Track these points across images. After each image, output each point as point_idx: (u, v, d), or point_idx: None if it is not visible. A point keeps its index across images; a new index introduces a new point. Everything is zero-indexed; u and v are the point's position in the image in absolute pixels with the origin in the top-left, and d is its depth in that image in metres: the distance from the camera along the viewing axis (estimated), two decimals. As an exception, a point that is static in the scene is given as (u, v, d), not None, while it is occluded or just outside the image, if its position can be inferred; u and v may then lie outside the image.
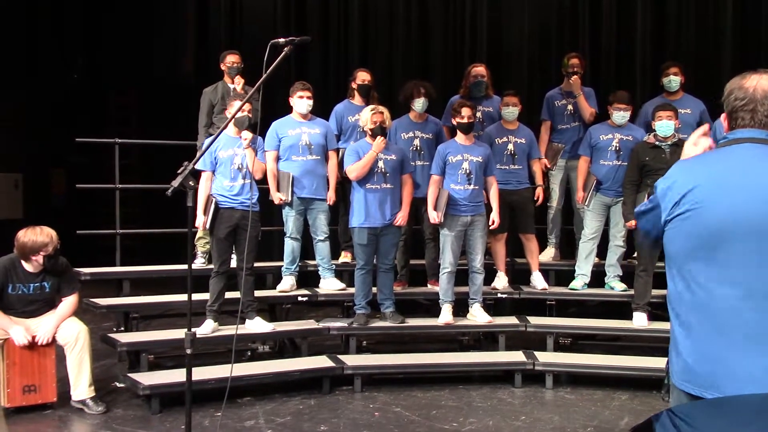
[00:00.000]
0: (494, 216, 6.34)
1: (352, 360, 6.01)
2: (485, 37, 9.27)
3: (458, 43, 9.37)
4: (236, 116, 5.40)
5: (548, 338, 6.40)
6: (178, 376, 5.29)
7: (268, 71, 3.61)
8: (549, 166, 7.11)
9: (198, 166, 5.25)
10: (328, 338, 6.53)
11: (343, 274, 6.93)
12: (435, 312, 6.49)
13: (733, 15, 8.35)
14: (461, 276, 6.43)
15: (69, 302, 5.33)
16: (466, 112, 6.23)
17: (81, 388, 5.18)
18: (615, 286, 6.69)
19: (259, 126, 5.08)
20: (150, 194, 9.97)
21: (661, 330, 6.13)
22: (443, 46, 9.39)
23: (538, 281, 6.85)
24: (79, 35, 11.53)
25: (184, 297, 5.82)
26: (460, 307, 6.49)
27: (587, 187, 6.70)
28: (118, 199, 7.07)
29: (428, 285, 6.89)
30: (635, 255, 6.54)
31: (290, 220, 6.50)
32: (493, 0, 9.25)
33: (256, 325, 6.03)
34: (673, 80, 6.88)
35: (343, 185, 6.74)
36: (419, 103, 6.67)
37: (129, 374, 5.50)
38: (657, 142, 6.17)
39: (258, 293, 6.30)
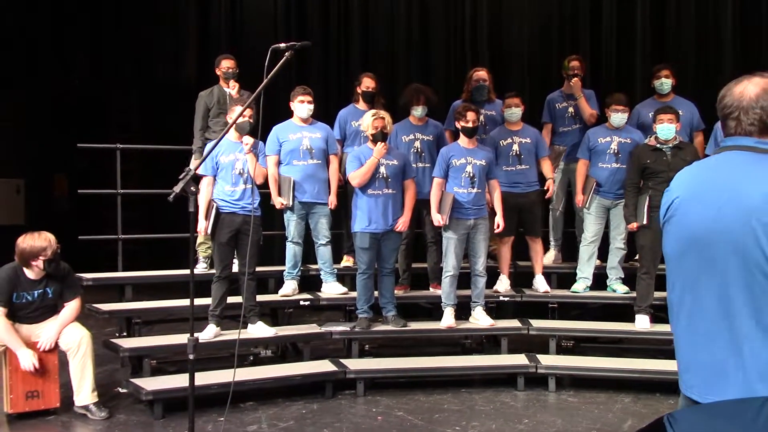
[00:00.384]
0: (498, 219, 6.34)
1: (354, 364, 6.00)
2: (486, 40, 9.28)
3: (459, 47, 9.39)
4: (237, 121, 5.40)
5: (551, 341, 6.40)
6: (180, 381, 5.30)
7: (269, 76, 3.62)
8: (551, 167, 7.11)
9: (199, 171, 5.27)
10: (330, 342, 6.52)
11: (345, 278, 6.94)
12: (437, 315, 6.49)
13: (732, 17, 8.35)
14: (463, 279, 6.43)
15: (71, 307, 5.33)
16: (471, 116, 6.23)
17: (84, 394, 5.18)
18: (617, 288, 6.69)
19: (260, 131, 5.09)
20: (152, 199, 9.98)
21: (663, 332, 6.13)
22: (444, 50, 9.41)
23: (540, 284, 6.85)
24: (81, 40, 11.54)
25: (186, 302, 5.87)
26: (463, 310, 6.48)
27: (586, 189, 6.71)
28: (120, 204, 7.08)
29: (430, 288, 6.89)
30: (637, 257, 6.54)
31: (292, 224, 6.50)
32: (493, 3, 9.27)
33: (259, 329, 6.03)
34: (665, 83, 6.89)
35: (345, 189, 6.74)
36: (418, 111, 6.69)
37: (132, 379, 5.50)
38: (658, 145, 6.17)
39: (260, 298, 6.30)
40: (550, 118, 7.34)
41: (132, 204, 9.66)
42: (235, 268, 6.12)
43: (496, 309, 6.78)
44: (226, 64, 6.96)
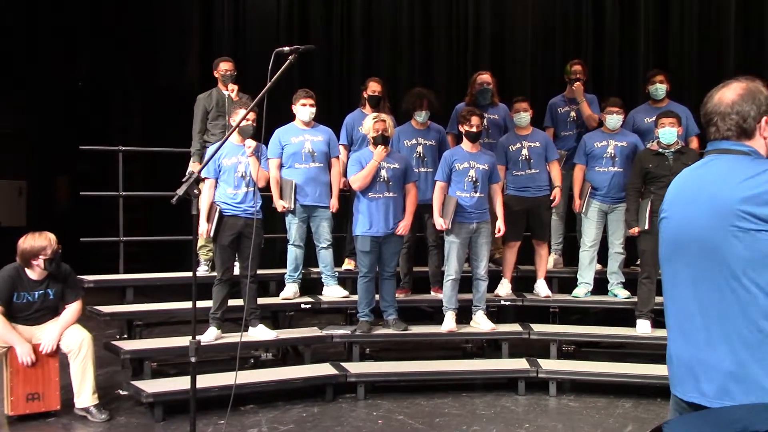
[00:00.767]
0: (500, 224, 6.34)
1: (355, 367, 6.00)
2: (488, 44, 9.30)
3: (461, 51, 9.40)
4: (241, 125, 5.41)
5: (552, 346, 6.39)
6: (181, 383, 5.30)
7: (272, 79, 3.62)
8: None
9: (201, 174, 5.27)
10: (331, 346, 6.52)
11: (346, 281, 6.94)
12: (438, 319, 6.49)
13: (735, 22, 8.36)
14: (464, 283, 6.43)
15: (72, 309, 5.33)
16: (475, 120, 6.23)
17: (84, 396, 5.18)
18: (618, 293, 6.69)
19: (263, 134, 5.10)
20: (153, 201, 10.00)
21: (664, 337, 6.05)
22: (447, 54, 9.42)
23: (541, 289, 6.85)
24: (84, 43, 11.56)
25: (187, 304, 5.87)
26: (464, 314, 6.48)
27: (582, 194, 6.72)
28: (122, 207, 7.09)
29: (431, 292, 6.89)
30: (638, 262, 6.54)
31: (293, 227, 6.51)
32: (496, 7, 9.29)
33: (259, 332, 6.03)
34: (660, 88, 6.91)
35: (347, 192, 6.74)
36: (421, 116, 6.69)
37: (132, 382, 5.50)
38: (660, 149, 6.17)
39: (261, 300, 6.30)
40: (552, 123, 7.35)
41: (134, 206, 9.70)
42: (237, 271, 6.12)
43: (497, 313, 6.78)
44: (225, 67, 6.96)
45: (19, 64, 10.84)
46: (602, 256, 6.85)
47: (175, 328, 6.68)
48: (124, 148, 7.19)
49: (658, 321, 6.23)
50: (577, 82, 7.13)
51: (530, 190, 6.67)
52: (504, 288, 6.83)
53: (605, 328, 6.70)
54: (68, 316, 5.30)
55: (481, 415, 5.43)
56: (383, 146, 6.10)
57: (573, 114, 7.25)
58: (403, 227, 6.20)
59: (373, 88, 6.90)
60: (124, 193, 7.12)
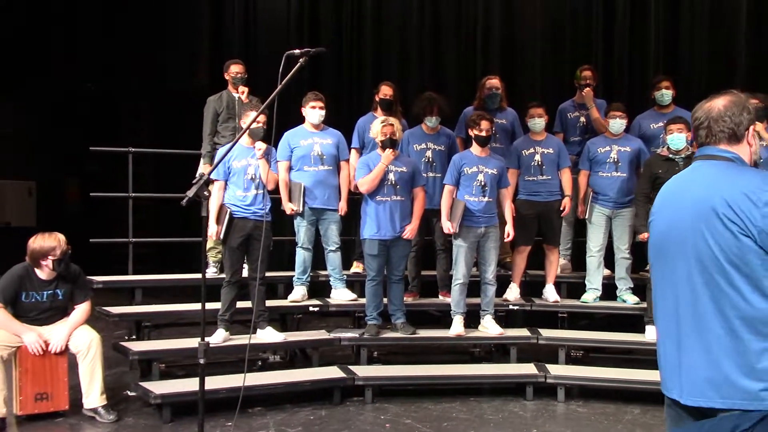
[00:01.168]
0: (509, 229, 6.33)
1: (363, 371, 5.99)
2: (498, 47, 9.29)
3: (471, 55, 9.40)
4: (251, 127, 5.42)
5: (560, 351, 6.37)
6: (189, 385, 5.31)
7: (282, 82, 3.63)
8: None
9: (211, 176, 5.28)
10: (339, 349, 6.52)
11: (355, 284, 6.94)
12: (446, 323, 6.47)
13: (746, 29, 8.32)
14: (473, 287, 6.42)
15: (81, 310, 5.35)
16: (485, 125, 6.22)
17: (93, 396, 5.20)
18: (627, 298, 6.67)
19: (273, 136, 5.10)
20: (163, 203, 10.03)
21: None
22: (456, 57, 9.42)
23: (550, 293, 6.83)
24: (95, 44, 11.61)
25: (195, 306, 5.89)
26: (472, 318, 6.47)
27: (586, 200, 6.71)
28: (131, 208, 7.11)
29: (440, 296, 6.88)
30: (647, 268, 6.51)
31: (302, 230, 6.52)
32: (505, 11, 9.28)
33: (268, 334, 6.04)
34: (665, 94, 6.90)
35: (356, 196, 6.75)
36: (432, 121, 6.68)
37: (140, 383, 5.51)
38: (670, 155, 6.15)
39: (269, 303, 6.31)
40: (562, 128, 7.34)
41: (143, 208, 9.74)
42: (245, 273, 6.13)
43: (505, 318, 6.77)
44: (235, 69, 6.98)
45: (30, 66, 10.90)
46: (611, 261, 6.82)
47: (183, 329, 6.69)
48: (133, 149, 7.21)
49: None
50: (587, 88, 7.12)
51: (541, 195, 6.66)
52: (512, 292, 6.82)
53: (614, 333, 6.67)
54: (77, 316, 5.32)
55: (489, 420, 5.41)
56: (391, 150, 6.10)
57: (583, 119, 7.25)
58: (410, 231, 6.19)
59: (385, 91, 6.90)
60: (133, 195, 7.14)
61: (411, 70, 9.46)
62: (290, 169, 6.50)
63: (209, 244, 6.71)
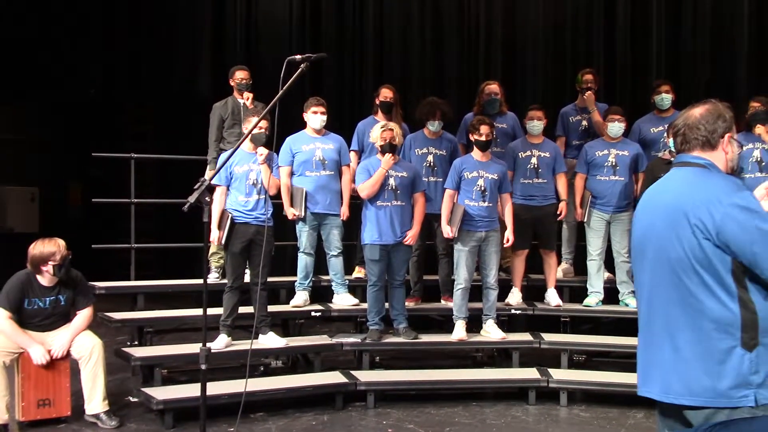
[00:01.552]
0: (508, 234, 6.33)
1: (365, 376, 5.99)
2: (500, 51, 9.31)
3: (473, 59, 9.41)
4: (253, 132, 5.42)
5: (563, 355, 6.36)
6: (191, 390, 5.30)
7: (284, 87, 3.64)
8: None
9: (213, 181, 5.29)
10: (341, 354, 6.51)
11: (357, 289, 6.94)
12: (448, 328, 6.47)
13: (748, 36, 8.33)
14: (475, 292, 6.41)
15: (84, 315, 5.35)
16: (484, 129, 6.23)
17: (95, 402, 5.20)
18: (630, 302, 6.65)
19: (274, 142, 5.11)
20: (165, 209, 10.03)
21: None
22: (458, 63, 9.43)
23: (552, 298, 6.82)
24: (97, 50, 11.64)
25: (197, 311, 5.88)
26: (474, 323, 6.46)
27: (584, 204, 6.71)
28: (134, 214, 7.12)
29: (442, 301, 6.88)
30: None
31: (304, 235, 6.52)
32: (507, 16, 9.30)
33: (270, 340, 6.03)
34: (665, 98, 6.90)
35: (358, 201, 6.75)
36: (434, 125, 6.69)
37: (143, 388, 5.51)
38: (672, 159, 6.14)
39: (271, 308, 6.31)
40: (564, 131, 7.35)
41: (146, 213, 9.75)
42: (247, 278, 6.13)
43: (507, 322, 6.75)
44: (240, 75, 6.99)
45: (32, 72, 10.91)
46: (612, 264, 6.82)
47: (185, 335, 6.69)
48: (136, 155, 7.22)
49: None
50: (589, 92, 7.13)
51: (537, 198, 6.67)
52: (514, 297, 6.81)
53: (616, 337, 6.66)
54: (79, 322, 5.32)
55: (492, 425, 5.40)
56: (391, 155, 6.11)
57: (584, 123, 7.25)
58: (412, 237, 6.20)
59: (385, 94, 6.91)
60: (136, 200, 7.15)
61: (413, 74, 9.48)
62: (292, 174, 6.51)
63: (211, 250, 6.71)
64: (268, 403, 5.64)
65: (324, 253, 6.66)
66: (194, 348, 5.46)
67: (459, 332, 6.31)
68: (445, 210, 6.26)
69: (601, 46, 9.01)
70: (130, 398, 5.75)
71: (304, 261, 6.58)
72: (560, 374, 6.10)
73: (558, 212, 6.73)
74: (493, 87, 7.13)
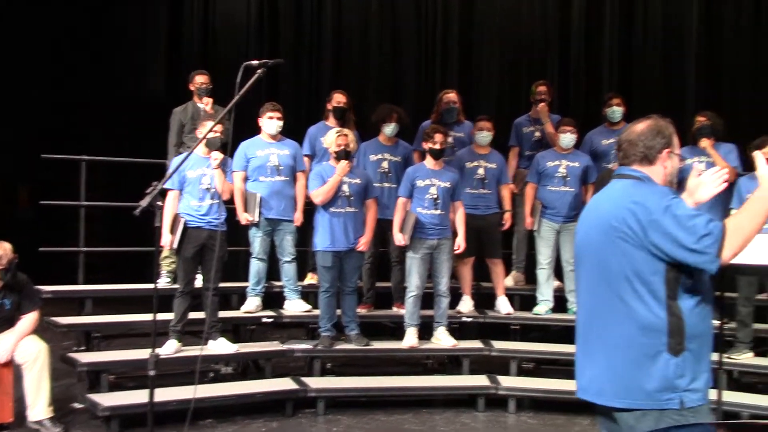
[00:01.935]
0: (460, 241, 6.40)
1: (315, 383, 5.99)
2: (456, 63, 9.40)
3: (430, 69, 9.48)
4: (208, 137, 5.39)
5: (512, 363, 6.44)
6: (138, 397, 5.23)
7: (240, 93, 3.63)
8: (516, 191, 7.20)
9: (165, 185, 5.24)
10: (292, 360, 6.49)
11: (309, 295, 6.92)
12: (400, 335, 6.50)
13: (697, 47, 8.54)
14: (426, 299, 6.46)
15: (29, 320, 5.25)
16: (438, 138, 6.29)
17: (39, 408, 5.09)
18: (578, 311, 6.76)
19: (229, 147, 5.08)
20: (116, 212, 9.87)
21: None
22: (415, 72, 9.49)
23: (502, 306, 6.90)
24: (47, 51, 11.41)
25: (147, 316, 5.81)
26: (425, 330, 6.50)
27: (534, 213, 6.82)
28: (84, 217, 7.00)
29: (394, 308, 6.91)
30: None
31: (257, 240, 6.49)
32: (465, 25, 9.39)
33: (220, 346, 5.99)
34: (616, 111, 7.05)
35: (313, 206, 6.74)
36: (390, 128, 6.74)
37: (88, 395, 5.42)
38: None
39: (222, 314, 6.27)
40: (517, 142, 7.45)
41: (96, 217, 9.58)
42: (199, 283, 6.08)
43: (459, 329, 6.80)
44: (200, 80, 6.94)
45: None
46: (562, 273, 6.93)
47: (134, 340, 6.59)
48: (86, 157, 7.10)
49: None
50: (542, 103, 7.24)
51: (480, 208, 6.76)
52: (466, 304, 6.88)
53: (565, 345, 6.74)
54: (24, 326, 5.21)
55: (441, 432, 5.45)
56: (346, 161, 6.13)
57: (538, 134, 7.36)
58: (364, 244, 6.22)
59: (338, 99, 6.93)
60: (85, 203, 7.03)
61: (370, 82, 9.51)
62: (246, 179, 6.48)
63: (164, 254, 6.64)
64: (218, 410, 5.60)
65: (276, 258, 6.64)
66: (143, 354, 5.39)
67: (410, 339, 6.34)
68: (397, 218, 6.30)
69: (556, 58, 9.16)
70: (76, 404, 5.64)
71: (256, 266, 6.55)
72: (509, 381, 6.18)
73: (503, 222, 6.82)
74: (452, 96, 7.20)
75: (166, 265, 6.79)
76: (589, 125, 7.45)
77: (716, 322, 3.67)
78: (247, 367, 6.62)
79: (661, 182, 2.70)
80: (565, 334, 6.99)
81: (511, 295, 7.08)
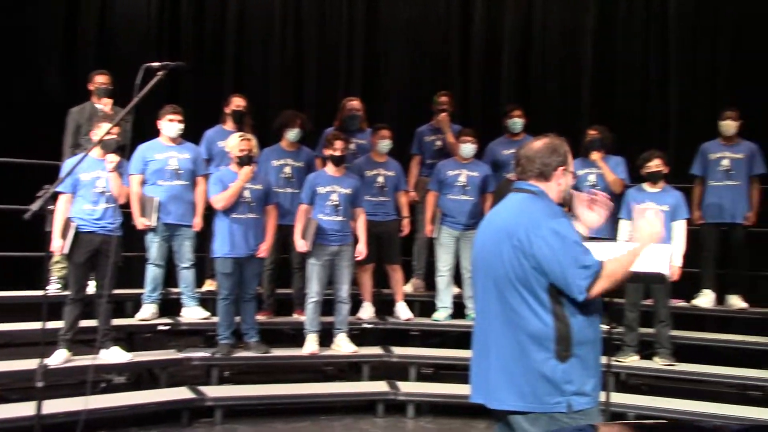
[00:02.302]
0: (360, 247, 6.44)
1: (213, 391, 5.89)
2: (360, 70, 9.44)
3: (333, 75, 9.48)
4: (104, 138, 5.22)
5: (411, 368, 6.52)
6: (24, 409, 4.96)
7: (139, 95, 3.54)
8: (417, 199, 7.31)
9: (57, 188, 5.05)
10: (189, 369, 6.35)
11: (208, 302, 6.80)
12: (300, 342, 6.47)
13: (592, 63, 8.89)
14: (327, 306, 6.46)
15: None
16: (338, 144, 6.32)
17: None
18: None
19: (128, 149, 4.94)
20: (3, 216, 9.40)
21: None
22: (317, 78, 9.47)
23: (402, 312, 6.98)
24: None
25: (35, 325, 5.56)
26: (326, 337, 6.50)
27: (434, 220, 6.96)
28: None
29: (294, 314, 6.88)
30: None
31: (154, 246, 6.34)
32: (369, 35, 9.45)
33: (113, 354, 5.80)
34: (517, 122, 7.28)
35: (212, 211, 6.64)
36: (293, 133, 6.72)
37: (-30, 407, 5.13)
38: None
39: (116, 321, 6.07)
40: (419, 150, 7.57)
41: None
42: (91, 290, 5.87)
43: (359, 336, 6.84)
44: (100, 80, 6.71)
45: None
46: (461, 280, 7.07)
47: (19, 350, 6.26)
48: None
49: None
50: (444, 113, 7.38)
51: (380, 215, 6.83)
52: (366, 311, 6.92)
53: (463, 350, 6.87)
54: None
55: (339, 438, 5.45)
56: (250, 166, 6.07)
57: (439, 143, 7.49)
58: (265, 250, 6.18)
59: (237, 103, 6.86)
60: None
61: (272, 89, 9.41)
62: (144, 183, 6.32)
63: (54, 258, 6.37)
64: (110, 422, 5.41)
65: (174, 264, 6.49)
66: (29, 364, 5.17)
67: (310, 346, 6.33)
68: (298, 225, 6.28)
69: (457, 69, 9.35)
70: (-45, 418, 5.33)
71: (153, 272, 6.39)
72: (408, 387, 6.25)
73: (401, 229, 6.92)
74: (355, 103, 7.26)
75: (57, 270, 6.51)
76: (489, 135, 7.64)
77: (605, 327, 3.83)
78: (141, 377, 6.43)
79: (556, 198, 2.85)
80: (464, 340, 7.09)
81: (410, 301, 7.17)
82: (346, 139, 6.48)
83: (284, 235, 6.59)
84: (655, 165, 6.24)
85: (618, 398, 5.62)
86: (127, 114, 3.73)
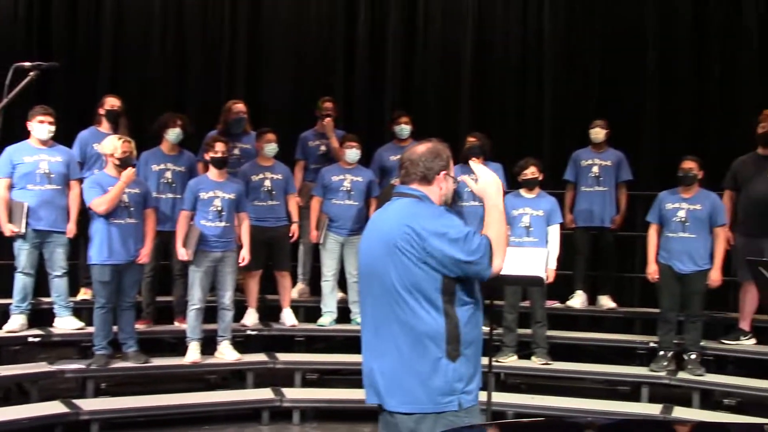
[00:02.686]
0: (244, 253, 6.36)
1: (88, 404, 5.66)
2: (243, 73, 9.31)
3: (214, 78, 9.30)
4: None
5: (296, 374, 6.49)
6: None
7: (9, 96, 3.38)
8: (302, 204, 7.29)
9: None
10: (62, 382, 6.07)
11: (82, 311, 6.53)
12: (181, 350, 6.32)
13: (471, 77, 9.15)
14: (210, 313, 6.34)
15: None
16: (220, 147, 6.22)
17: None
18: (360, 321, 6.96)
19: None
20: None
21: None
22: (198, 80, 9.26)
23: (287, 318, 6.94)
24: None
25: None
26: (209, 344, 6.38)
27: (320, 226, 6.98)
28: None
29: (175, 323, 6.72)
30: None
31: (23, 253, 6.03)
32: (252, 37, 9.34)
33: (-22, 369, 5.46)
34: (404, 128, 7.41)
35: (85, 217, 6.37)
36: (173, 134, 6.56)
37: None
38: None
39: (-19, 334, 5.73)
40: (303, 155, 7.55)
41: None
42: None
43: (244, 343, 6.75)
44: None
45: None
46: (346, 285, 7.11)
47: None
48: None
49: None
50: (328, 118, 7.39)
51: (269, 220, 6.79)
52: (250, 317, 6.84)
53: (348, 355, 6.91)
54: None
55: (223, 448, 5.36)
56: (131, 169, 5.88)
57: (323, 148, 7.50)
58: (145, 255, 6.00)
59: (112, 103, 6.64)
60: None
61: (152, 92, 9.10)
62: (11, 187, 6.00)
63: None
64: (-27, 441, 5.10)
65: (45, 273, 6.19)
66: None
67: (192, 354, 6.19)
68: (180, 232, 6.14)
69: (341, 74, 9.38)
70: None
71: (22, 282, 6.08)
72: (293, 393, 6.23)
73: (291, 234, 6.89)
74: (240, 106, 7.17)
75: None
76: (374, 141, 7.72)
77: (486, 329, 3.95)
78: (10, 392, 6.09)
79: (438, 201, 2.91)
80: (349, 344, 7.19)
81: (295, 306, 7.15)
82: (227, 142, 6.39)
83: (165, 241, 6.43)
84: (531, 172, 6.50)
85: (498, 397, 5.79)
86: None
